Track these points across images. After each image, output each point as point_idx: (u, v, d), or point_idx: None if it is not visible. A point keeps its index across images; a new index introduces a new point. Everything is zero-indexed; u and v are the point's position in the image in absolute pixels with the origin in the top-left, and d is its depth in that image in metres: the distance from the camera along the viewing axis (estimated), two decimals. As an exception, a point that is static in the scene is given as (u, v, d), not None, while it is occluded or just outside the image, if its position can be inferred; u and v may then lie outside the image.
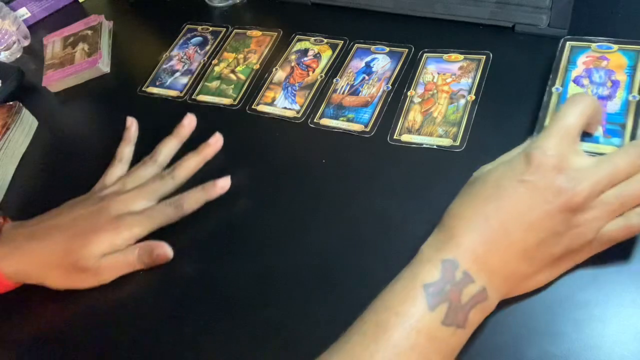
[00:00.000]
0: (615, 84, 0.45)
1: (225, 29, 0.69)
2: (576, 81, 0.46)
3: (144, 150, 0.57)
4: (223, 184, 0.50)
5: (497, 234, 0.35)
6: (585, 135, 0.41)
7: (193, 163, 0.52)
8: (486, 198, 0.36)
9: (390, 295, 0.35)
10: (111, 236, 0.46)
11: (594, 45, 0.48)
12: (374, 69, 0.57)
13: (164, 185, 0.50)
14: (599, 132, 0.42)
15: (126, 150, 0.56)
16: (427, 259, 0.36)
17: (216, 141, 0.53)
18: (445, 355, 0.34)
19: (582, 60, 0.47)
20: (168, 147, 0.54)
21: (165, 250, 0.47)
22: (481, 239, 0.35)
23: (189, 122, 0.56)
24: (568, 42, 0.49)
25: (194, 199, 0.49)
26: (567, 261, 0.37)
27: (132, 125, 0.58)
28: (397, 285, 0.36)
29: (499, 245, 0.35)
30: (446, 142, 0.49)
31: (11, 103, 0.65)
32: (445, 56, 0.55)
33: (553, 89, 0.46)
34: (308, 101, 0.57)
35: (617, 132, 0.42)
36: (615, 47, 0.47)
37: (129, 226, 0.47)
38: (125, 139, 0.57)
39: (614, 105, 0.44)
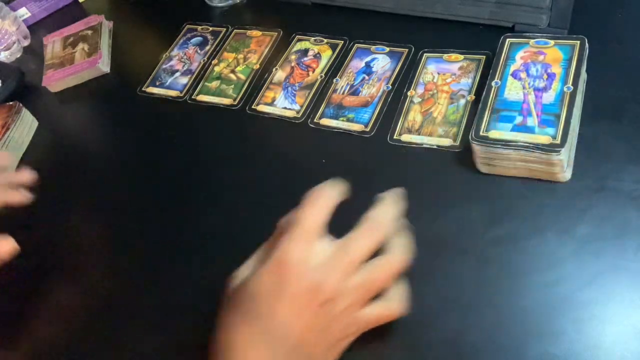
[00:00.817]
0: (551, 76, 0.46)
1: (225, 29, 0.69)
2: (514, 75, 0.47)
3: (143, 151, 0.57)
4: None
5: (276, 345, 0.36)
6: (522, 126, 0.43)
7: None
8: (255, 318, 0.37)
9: None
10: None
11: (532, 41, 0.49)
12: (374, 69, 0.57)
13: None
14: (534, 122, 0.43)
15: None
16: None
17: None
18: None
19: (520, 55, 0.49)
20: None
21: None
22: (265, 353, 0.36)
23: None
24: (508, 39, 0.50)
25: None
26: (346, 340, 0.38)
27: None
28: None
29: (281, 353, 0.36)
30: (446, 142, 0.49)
31: (11, 103, 0.65)
32: (445, 56, 0.55)
33: (492, 83, 0.47)
34: (308, 101, 0.57)
35: (552, 122, 0.43)
36: (552, 42, 0.48)
37: None
38: None
39: (549, 97, 0.45)
